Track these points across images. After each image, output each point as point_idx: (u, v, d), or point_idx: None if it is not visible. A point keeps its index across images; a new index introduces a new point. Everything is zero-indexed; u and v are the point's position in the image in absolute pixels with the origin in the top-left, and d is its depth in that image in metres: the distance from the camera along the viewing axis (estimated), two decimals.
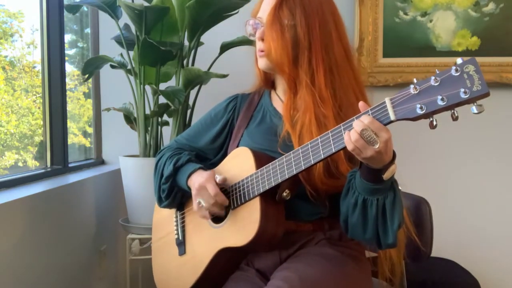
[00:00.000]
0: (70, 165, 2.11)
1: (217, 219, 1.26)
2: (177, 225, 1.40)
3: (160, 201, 1.39)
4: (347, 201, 1.13)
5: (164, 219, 1.46)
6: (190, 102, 2.04)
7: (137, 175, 1.93)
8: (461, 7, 2.32)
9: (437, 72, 0.92)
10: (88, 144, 2.49)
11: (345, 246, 1.23)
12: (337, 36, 1.25)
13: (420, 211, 1.43)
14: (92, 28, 2.41)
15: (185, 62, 1.99)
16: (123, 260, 2.22)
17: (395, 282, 1.32)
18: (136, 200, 1.95)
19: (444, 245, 2.16)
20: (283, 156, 1.12)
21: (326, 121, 1.18)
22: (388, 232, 1.08)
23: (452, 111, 0.91)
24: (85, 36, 2.50)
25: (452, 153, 2.37)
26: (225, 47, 2.01)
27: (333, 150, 1.03)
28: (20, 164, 1.95)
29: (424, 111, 0.91)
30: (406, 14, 2.33)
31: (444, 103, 0.89)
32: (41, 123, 2.02)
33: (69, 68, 2.33)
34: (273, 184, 1.13)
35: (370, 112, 0.98)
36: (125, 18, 1.97)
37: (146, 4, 1.87)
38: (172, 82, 2.07)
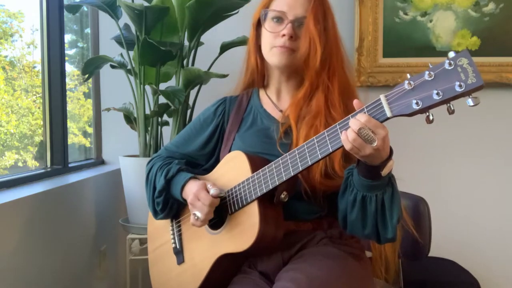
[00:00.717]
0: (70, 165, 2.11)
1: (215, 225, 1.25)
2: (173, 234, 1.37)
3: (156, 214, 1.36)
4: (345, 198, 1.13)
5: (159, 228, 1.44)
6: (190, 102, 2.04)
7: (137, 175, 1.93)
8: (461, 7, 2.32)
9: (431, 66, 0.92)
10: (88, 144, 2.49)
11: (346, 245, 1.23)
12: (340, 40, 1.29)
13: (418, 211, 1.44)
14: (92, 28, 2.41)
15: (185, 62, 1.99)
16: (123, 260, 2.22)
17: (389, 280, 1.33)
18: (136, 200, 1.95)
19: (444, 245, 2.16)
20: (279, 158, 1.12)
21: (333, 123, 1.18)
22: (388, 227, 1.09)
23: (448, 104, 0.91)
24: (85, 36, 2.50)
25: (452, 153, 2.37)
26: (225, 47, 2.01)
27: (330, 150, 1.03)
28: (20, 164, 1.95)
29: (420, 106, 0.91)
30: (406, 14, 2.33)
31: (440, 97, 0.89)
32: (41, 123, 2.03)
33: (69, 68, 2.33)
34: (270, 187, 1.12)
35: (365, 110, 0.98)
36: (125, 18, 1.97)
37: (146, 4, 1.87)
38: (172, 82, 2.07)
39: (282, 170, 1.10)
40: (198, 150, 1.38)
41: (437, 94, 0.89)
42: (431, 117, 0.92)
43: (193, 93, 2.03)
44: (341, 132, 1.00)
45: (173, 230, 1.38)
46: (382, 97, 0.96)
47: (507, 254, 2.35)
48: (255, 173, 1.16)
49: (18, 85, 2.00)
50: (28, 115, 2.04)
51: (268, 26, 1.26)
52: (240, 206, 1.18)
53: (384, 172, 1.04)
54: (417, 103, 0.91)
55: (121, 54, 2.02)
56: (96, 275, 2.07)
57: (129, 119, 2.08)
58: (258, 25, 1.31)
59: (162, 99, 1.89)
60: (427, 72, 0.91)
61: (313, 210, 1.22)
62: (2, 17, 1.89)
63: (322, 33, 1.22)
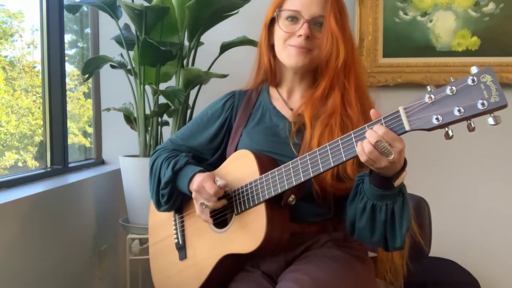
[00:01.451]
0: (70, 165, 2.11)
1: (219, 224, 1.25)
2: (176, 229, 1.37)
3: (159, 206, 1.35)
4: (354, 205, 1.12)
5: (161, 222, 1.43)
6: (190, 102, 2.04)
7: (137, 175, 1.93)
8: (461, 7, 2.32)
9: (452, 80, 0.90)
10: (88, 144, 2.49)
11: (350, 247, 1.23)
12: (353, 37, 1.29)
13: (419, 211, 1.44)
14: (92, 28, 2.41)
15: (185, 62, 1.99)
16: (123, 260, 2.22)
17: (395, 283, 1.32)
18: (136, 200, 1.95)
19: (444, 245, 2.16)
20: (289, 162, 1.10)
21: (350, 123, 1.18)
22: (397, 236, 1.08)
23: (469, 122, 0.89)
24: (85, 36, 2.50)
25: (452, 153, 2.37)
26: (225, 47, 2.01)
27: (344, 159, 1.02)
28: (20, 164, 1.95)
29: (440, 122, 0.89)
30: (406, 14, 2.33)
31: (461, 114, 0.87)
32: (41, 123, 2.02)
33: (69, 68, 2.33)
34: (279, 191, 1.11)
35: (383, 121, 0.96)
36: (125, 18, 1.97)
37: (146, 4, 1.87)
38: (172, 82, 2.07)
39: (292, 174, 1.09)
40: (205, 144, 1.37)
41: (459, 111, 0.87)
42: (450, 133, 0.91)
43: (193, 93, 2.03)
44: (356, 142, 0.99)
45: (176, 225, 1.37)
46: (401, 109, 0.94)
47: (507, 254, 2.35)
48: (263, 175, 1.15)
49: (18, 85, 2.00)
50: (28, 115, 2.04)
51: (283, 26, 1.24)
52: (247, 207, 1.17)
53: (397, 183, 1.03)
54: (437, 119, 0.89)
55: (121, 54, 2.02)
56: (96, 275, 2.07)
57: (129, 119, 2.08)
58: (270, 24, 1.30)
59: (162, 99, 1.89)
60: (448, 87, 0.89)
61: (320, 212, 1.21)
62: (2, 17, 1.89)
63: (343, 32, 1.22)
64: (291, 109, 1.29)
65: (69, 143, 2.12)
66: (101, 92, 2.44)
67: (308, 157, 1.07)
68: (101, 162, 2.45)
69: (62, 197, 1.75)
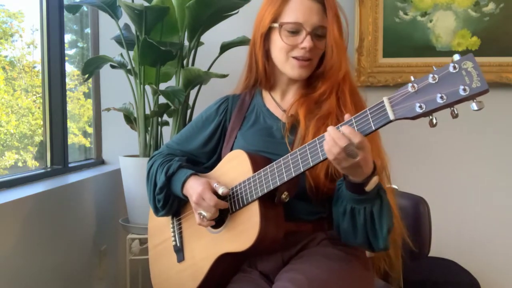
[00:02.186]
0: (70, 165, 2.11)
1: (215, 224, 1.25)
2: (174, 232, 1.38)
3: (156, 211, 1.36)
4: (336, 208, 1.15)
5: (160, 226, 1.44)
6: (190, 102, 2.04)
7: (137, 175, 1.93)
8: (461, 7, 2.32)
9: (435, 69, 0.91)
10: (88, 144, 2.49)
11: (346, 245, 1.23)
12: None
13: (418, 211, 1.44)
14: (92, 28, 2.41)
15: (185, 62, 1.99)
16: (123, 260, 2.22)
17: (393, 278, 1.33)
18: (136, 200, 1.95)
19: (444, 245, 2.16)
20: (280, 158, 1.12)
21: None
22: (379, 237, 1.11)
23: (452, 108, 0.90)
24: (85, 36, 2.50)
25: (452, 153, 2.37)
26: (225, 47, 2.01)
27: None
28: (20, 164, 1.95)
29: (423, 110, 0.90)
30: (406, 14, 2.33)
31: (444, 101, 0.88)
32: (41, 123, 2.03)
33: (69, 68, 2.33)
34: (271, 187, 1.12)
35: (356, 118, 0.98)
36: (125, 18, 1.97)
37: (146, 4, 1.87)
38: (172, 82, 2.07)
39: (283, 170, 1.10)
40: (200, 148, 1.38)
41: (441, 97, 0.88)
42: (434, 121, 0.92)
43: (193, 93, 2.03)
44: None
45: (173, 227, 1.38)
46: (385, 99, 0.95)
47: (507, 254, 2.35)
48: (256, 172, 1.16)
49: (18, 85, 2.00)
50: (28, 115, 2.04)
51: (284, 38, 1.24)
52: (241, 205, 1.18)
53: (369, 188, 1.05)
54: (420, 107, 0.90)
55: (121, 54, 2.02)
56: (96, 275, 2.07)
57: (129, 119, 2.08)
58: (266, 33, 1.28)
59: (162, 99, 1.89)
60: (431, 75, 0.90)
61: (315, 210, 1.22)
62: (2, 17, 1.89)
63: (339, 42, 1.24)
64: (284, 111, 1.30)
65: (69, 143, 2.12)
66: (101, 92, 2.44)
67: (298, 152, 1.08)
68: (101, 162, 2.45)
69: (62, 197, 1.75)
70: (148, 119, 2.00)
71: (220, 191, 1.17)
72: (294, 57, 1.24)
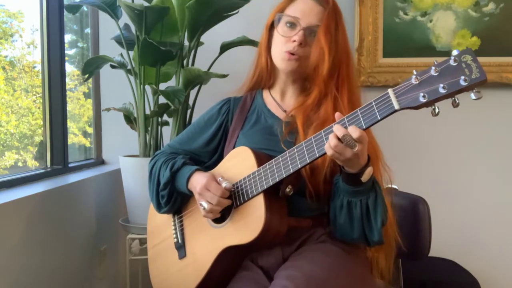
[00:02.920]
0: (70, 165, 2.11)
1: (218, 219, 1.26)
2: (175, 229, 1.39)
3: (159, 208, 1.38)
4: (334, 203, 1.19)
5: (159, 225, 1.45)
6: (190, 102, 2.04)
7: (137, 175, 1.93)
8: (461, 7, 2.32)
9: (436, 62, 0.96)
10: (88, 144, 2.49)
11: (345, 242, 1.24)
12: (350, 51, 1.33)
13: (418, 210, 1.44)
14: (92, 28, 2.41)
15: (185, 62, 1.99)
16: (123, 260, 2.22)
17: (385, 280, 1.33)
18: (136, 200, 1.96)
19: (444, 245, 2.16)
20: (286, 152, 1.14)
21: None
22: (374, 230, 1.15)
23: (453, 98, 0.95)
24: (85, 36, 2.50)
25: (452, 153, 2.37)
26: (225, 47, 2.01)
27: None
28: (20, 164, 1.95)
29: (426, 99, 0.95)
30: (406, 14, 2.33)
31: (446, 90, 0.93)
32: (41, 123, 2.03)
33: (69, 68, 2.33)
34: (277, 180, 1.14)
35: (360, 111, 1.03)
36: (125, 18, 1.97)
37: (146, 4, 1.87)
38: (172, 82, 2.07)
39: (289, 163, 1.13)
40: (202, 148, 1.41)
41: (443, 87, 0.94)
42: (436, 110, 0.97)
43: (193, 93, 2.03)
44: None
45: (175, 225, 1.39)
46: (390, 90, 0.99)
47: (507, 254, 2.35)
48: (261, 166, 1.18)
49: (18, 85, 2.00)
50: (28, 115, 2.04)
51: (281, 30, 1.29)
52: (246, 199, 1.20)
53: (364, 179, 1.09)
54: (424, 96, 0.95)
55: (121, 54, 2.02)
56: (96, 275, 2.07)
57: (129, 119, 2.08)
58: (271, 28, 1.34)
59: (162, 99, 1.89)
60: (433, 68, 0.96)
61: (314, 207, 1.24)
62: (2, 17, 1.89)
63: (332, 44, 1.25)
64: (285, 111, 1.34)
65: (69, 143, 2.12)
66: (101, 92, 2.44)
67: (304, 145, 1.11)
68: (101, 162, 2.45)
69: (62, 197, 1.75)
70: (148, 119, 2.00)
71: (224, 185, 1.20)
72: (286, 51, 1.27)
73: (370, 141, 1.17)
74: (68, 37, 2.35)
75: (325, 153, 1.07)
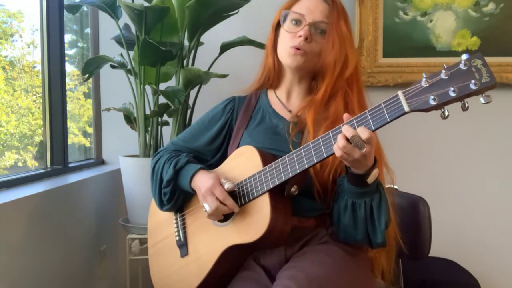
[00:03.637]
0: (70, 165, 2.11)
1: (222, 217, 1.26)
2: (177, 227, 1.38)
3: (161, 205, 1.38)
4: (338, 204, 1.19)
5: (161, 223, 1.44)
6: (190, 102, 2.04)
7: (137, 175, 1.93)
8: (461, 7, 2.32)
9: (445, 66, 0.97)
10: (88, 144, 2.49)
11: (347, 244, 1.24)
12: (355, 48, 1.34)
13: (418, 211, 1.44)
14: (92, 28, 2.41)
15: (185, 62, 1.99)
16: (123, 260, 2.22)
17: (387, 280, 1.34)
18: (136, 200, 1.96)
19: (444, 245, 2.16)
20: (292, 151, 1.14)
21: None
22: (377, 231, 1.15)
23: (462, 102, 0.96)
24: (85, 36, 2.50)
25: (452, 153, 2.37)
26: (225, 47, 2.01)
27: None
28: (20, 164, 1.95)
29: (436, 102, 0.96)
30: (406, 14, 2.33)
31: (456, 94, 0.94)
32: (41, 123, 2.02)
33: (69, 68, 2.33)
34: (283, 179, 1.14)
35: (368, 114, 1.03)
36: (125, 18, 1.97)
37: (146, 4, 1.87)
38: (172, 82, 2.07)
39: (296, 162, 1.13)
40: (205, 146, 1.40)
41: (453, 91, 0.95)
42: (446, 113, 0.98)
43: (193, 93, 2.03)
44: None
45: (177, 223, 1.39)
46: (400, 93, 1.00)
47: (507, 254, 2.35)
48: (267, 166, 1.18)
49: (18, 85, 2.00)
50: (28, 115, 2.04)
51: (286, 27, 1.30)
52: (251, 198, 1.19)
53: (370, 180, 1.10)
54: (434, 99, 0.96)
55: (121, 54, 2.02)
56: (96, 275, 2.07)
57: (129, 119, 2.08)
58: (277, 27, 1.35)
59: (162, 99, 1.89)
60: (443, 71, 0.97)
61: (318, 207, 1.24)
62: (2, 17, 1.89)
63: (344, 39, 1.27)
64: (290, 111, 1.33)
65: (69, 143, 2.12)
66: (101, 92, 2.44)
67: (311, 145, 1.11)
68: (101, 162, 2.45)
69: (62, 197, 1.75)
70: (148, 119, 2.00)
71: (226, 186, 1.20)
72: (291, 46, 1.27)
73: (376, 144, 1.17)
74: (68, 37, 2.35)
75: (332, 154, 1.07)
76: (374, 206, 1.13)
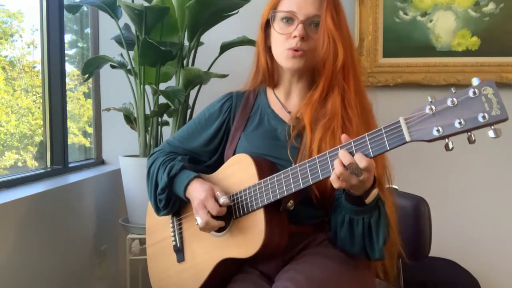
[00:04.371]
0: (70, 165, 2.11)
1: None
2: (174, 231, 1.36)
3: (158, 211, 1.34)
4: (335, 217, 1.16)
5: (159, 223, 1.42)
6: (190, 102, 2.04)
7: (137, 175, 1.93)
8: (461, 7, 2.32)
9: (453, 91, 0.90)
10: (88, 144, 2.49)
11: None
12: (351, 36, 1.27)
13: (418, 211, 1.44)
14: (92, 28, 2.41)
15: (185, 62, 1.99)
16: (123, 260, 2.22)
17: (389, 280, 1.33)
18: (136, 200, 1.95)
19: (444, 245, 2.16)
20: (288, 168, 1.10)
21: (350, 125, 1.18)
22: (375, 248, 1.12)
23: (469, 134, 0.89)
24: (85, 36, 2.50)
25: (451, 153, 2.36)
26: (225, 47, 2.01)
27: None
28: (20, 164, 1.95)
29: (440, 134, 0.90)
30: (406, 14, 2.33)
31: (462, 126, 0.88)
32: (41, 123, 2.02)
33: (69, 68, 2.33)
34: (278, 197, 1.11)
35: (367, 138, 0.98)
36: (125, 18, 1.97)
37: (146, 4, 1.87)
38: (172, 82, 2.07)
39: (291, 181, 1.09)
40: (202, 147, 1.36)
41: (459, 123, 0.88)
42: (450, 146, 0.91)
43: (193, 93, 2.03)
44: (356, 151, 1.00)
45: (173, 227, 1.37)
46: (401, 119, 0.94)
47: (507, 255, 2.35)
48: (262, 180, 1.14)
49: (18, 85, 2.00)
50: (28, 115, 2.04)
51: (278, 28, 1.23)
52: (246, 212, 1.17)
53: (368, 201, 1.06)
54: (438, 131, 0.90)
55: (121, 54, 2.02)
56: (96, 275, 2.07)
57: (129, 119, 2.08)
58: (267, 26, 1.28)
59: (162, 99, 1.89)
60: (450, 99, 0.89)
61: (317, 215, 1.22)
62: (2, 17, 1.89)
63: (340, 31, 1.20)
64: (289, 112, 1.29)
65: (69, 143, 2.12)
66: (101, 92, 2.44)
67: (307, 164, 1.07)
68: (101, 162, 2.45)
69: (62, 197, 1.75)
70: (148, 119, 2.00)
71: (221, 201, 1.16)
72: (288, 49, 1.21)
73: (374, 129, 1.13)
74: (68, 37, 2.35)
75: (329, 177, 1.03)
76: (372, 223, 1.09)
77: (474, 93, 0.87)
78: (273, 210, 1.15)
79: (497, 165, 2.35)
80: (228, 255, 1.20)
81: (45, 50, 1.99)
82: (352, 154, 0.99)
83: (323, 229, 1.23)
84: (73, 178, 1.97)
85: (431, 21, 2.33)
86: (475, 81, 0.87)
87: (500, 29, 2.29)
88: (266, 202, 1.13)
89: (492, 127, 0.86)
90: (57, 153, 2.03)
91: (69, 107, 2.23)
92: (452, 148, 0.91)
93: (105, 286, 2.17)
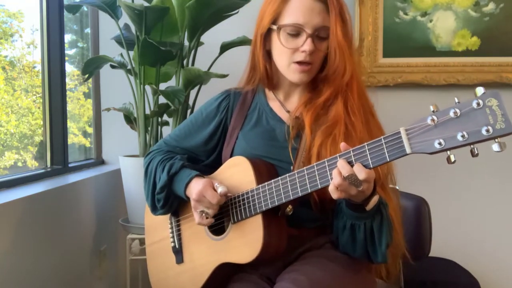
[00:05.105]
0: (70, 165, 2.11)
1: (216, 230, 1.24)
2: (172, 232, 1.35)
3: (155, 210, 1.32)
4: (337, 222, 1.15)
5: (158, 223, 1.41)
6: (190, 102, 2.04)
7: (137, 175, 1.93)
8: (461, 7, 2.32)
9: (456, 102, 0.87)
10: (88, 144, 2.49)
11: None
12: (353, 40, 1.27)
13: (419, 211, 1.44)
14: (92, 28, 2.41)
15: (185, 62, 1.99)
16: (123, 260, 2.22)
17: (389, 282, 1.32)
18: (136, 200, 1.95)
19: (444, 245, 2.16)
20: (286, 175, 1.10)
21: (353, 130, 1.16)
22: (377, 252, 1.11)
23: (472, 147, 0.86)
24: (85, 36, 2.50)
25: (451, 153, 2.36)
26: (225, 47, 2.01)
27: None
28: (19, 164, 1.95)
29: (442, 147, 0.87)
30: (406, 14, 2.33)
31: (464, 139, 0.85)
32: (41, 123, 2.02)
33: (69, 68, 2.33)
34: (276, 204, 1.11)
35: (366, 147, 0.96)
36: (125, 18, 1.97)
37: (146, 4, 1.87)
38: (172, 82, 2.07)
39: (289, 188, 1.09)
40: (200, 146, 1.34)
41: (462, 136, 0.85)
42: (452, 159, 0.88)
43: (193, 93, 2.03)
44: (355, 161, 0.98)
45: (172, 228, 1.36)
46: (402, 130, 0.92)
47: (507, 254, 2.35)
48: (260, 185, 1.14)
49: (18, 85, 2.00)
50: (28, 115, 2.04)
51: (283, 41, 1.18)
52: (244, 217, 1.17)
53: (369, 207, 1.05)
54: (439, 143, 0.87)
55: (121, 54, 2.02)
56: (96, 275, 2.07)
57: (129, 119, 2.08)
58: (267, 34, 1.24)
59: (162, 99, 1.89)
60: (452, 110, 0.86)
61: (318, 218, 1.21)
62: (2, 17, 1.89)
63: (348, 41, 1.18)
64: (288, 111, 1.27)
65: (69, 143, 2.12)
66: (101, 92, 2.44)
67: (305, 172, 1.06)
68: (101, 162, 2.45)
69: (62, 197, 1.75)
70: (148, 119, 2.00)
71: (219, 190, 1.15)
72: (295, 62, 1.18)
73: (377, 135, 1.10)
74: (68, 37, 2.35)
75: (327, 186, 1.01)
76: (374, 227, 1.08)
77: (478, 104, 0.83)
78: (271, 215, 1.14)
79: (498, 165, 2.35)
80: (227, 259, 1.20)
81: (45, 50, 1.99)
82: (351, 163, 0.97)
83: (324, 232, 1.23)
84: (73, 178, 1.97)
85: (431, 21, 2.33)
86: (479, 91, 0.84)
87: (500, 29, 2.30)
88: (264, 208, 1.12)
89: (497, 140, 0.83)
90: (57, 153, 2.03)
91: (69, 107, 2.23)
92: (455, 161, 0.88)
93: (105, 286, 2.17)
